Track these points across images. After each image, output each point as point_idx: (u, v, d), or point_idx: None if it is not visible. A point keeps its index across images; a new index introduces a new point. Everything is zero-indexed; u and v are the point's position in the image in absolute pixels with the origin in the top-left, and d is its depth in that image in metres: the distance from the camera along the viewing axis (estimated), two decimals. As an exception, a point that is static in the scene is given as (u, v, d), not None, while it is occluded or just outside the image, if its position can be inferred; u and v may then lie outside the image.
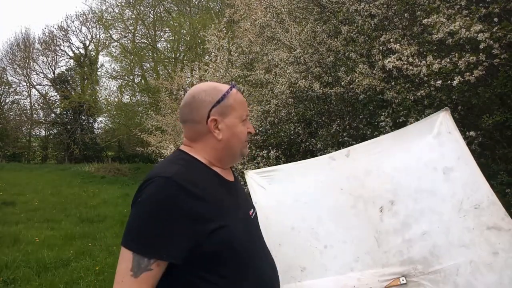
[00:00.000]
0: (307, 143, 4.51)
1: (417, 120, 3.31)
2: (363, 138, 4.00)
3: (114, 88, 27.24)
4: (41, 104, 28.91)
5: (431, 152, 1.92)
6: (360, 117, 4.10)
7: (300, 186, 2.15)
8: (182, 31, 17.25)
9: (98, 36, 26.42)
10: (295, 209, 2.09)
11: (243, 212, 1.19)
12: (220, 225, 1.04)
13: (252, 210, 1.24)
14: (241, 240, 1.09)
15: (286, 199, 2.14)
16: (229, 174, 1.25)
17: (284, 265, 1.75)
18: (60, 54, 28.01)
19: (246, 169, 4.01)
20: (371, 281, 1.81)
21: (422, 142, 1.96)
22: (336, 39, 4.23)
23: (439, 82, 2.74)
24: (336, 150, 4.05)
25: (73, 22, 45.82)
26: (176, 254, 1.00)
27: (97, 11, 22.28)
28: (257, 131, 4.82)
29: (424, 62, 2.72)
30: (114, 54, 20.48)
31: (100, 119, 27.98)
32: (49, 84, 28.34)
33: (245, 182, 2.28)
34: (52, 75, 27.96)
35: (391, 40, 3.16)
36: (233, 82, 1.05)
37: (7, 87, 28.21)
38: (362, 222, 1.95)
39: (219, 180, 1.17)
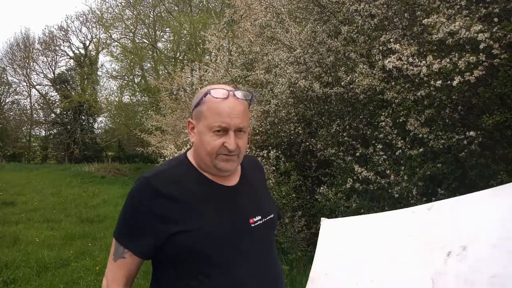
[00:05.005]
0: (307, 143, 4.51)
1: (417, 120, 3.31)
2: (363, 138, 4.00)
3: (114, 88, 27.25)
4: (41, 104, 28.93)
5: None
6: (360, 117, 4.10)
7: (375, 239, 1.99)
8: (183, 30, 17.23)
9: (98, 36, 26.46)
10: (363, 261, 1.90)
11: (239, 219, 1.12)
12: (183, 229, 1.03)
13: (258, 218, 1.15)
14: (214, 246, 1.05)
15: (356, 251, 1.97)
16: (230, 178, 1.18)
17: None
18: (60, 54, 28.06)
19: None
20: None
21: None
22: (336, 39, 4.23)
23: (439, 82, 2.74)
24: (336, 150, 4.05)
25: (73, 22, 46.14)
26: (142, 249, 1.07)
27: (97, 11, 22.30)
28: (257, 131, 4.82)
29: (424, 62, 2.72)
30: (115, 54, 20.48)
31: (100, 119, 28.05)
32: (49, 84, 28.37)
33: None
34: (52, 75, 28.00)
35: (391, 40, 3.16)
36: (210, 90, 1.02)
37: (7, 87, 28.22)
38: (421, 266, 1.69)
39: (205, 184, 1.13)
